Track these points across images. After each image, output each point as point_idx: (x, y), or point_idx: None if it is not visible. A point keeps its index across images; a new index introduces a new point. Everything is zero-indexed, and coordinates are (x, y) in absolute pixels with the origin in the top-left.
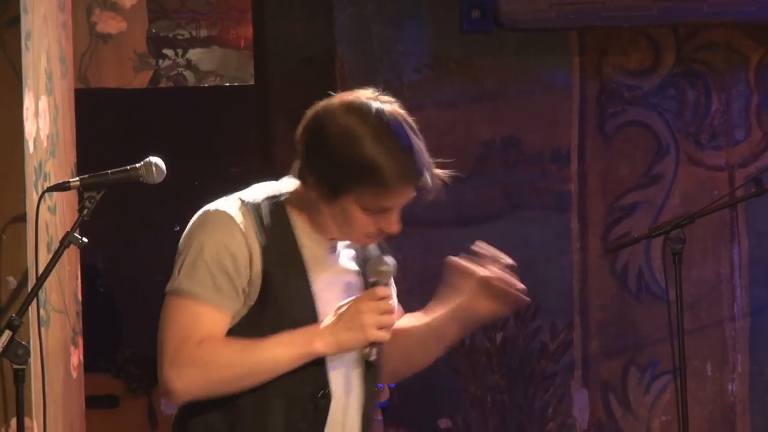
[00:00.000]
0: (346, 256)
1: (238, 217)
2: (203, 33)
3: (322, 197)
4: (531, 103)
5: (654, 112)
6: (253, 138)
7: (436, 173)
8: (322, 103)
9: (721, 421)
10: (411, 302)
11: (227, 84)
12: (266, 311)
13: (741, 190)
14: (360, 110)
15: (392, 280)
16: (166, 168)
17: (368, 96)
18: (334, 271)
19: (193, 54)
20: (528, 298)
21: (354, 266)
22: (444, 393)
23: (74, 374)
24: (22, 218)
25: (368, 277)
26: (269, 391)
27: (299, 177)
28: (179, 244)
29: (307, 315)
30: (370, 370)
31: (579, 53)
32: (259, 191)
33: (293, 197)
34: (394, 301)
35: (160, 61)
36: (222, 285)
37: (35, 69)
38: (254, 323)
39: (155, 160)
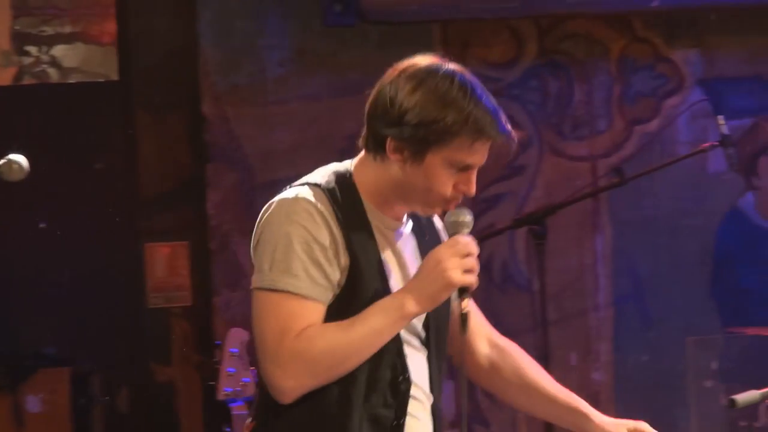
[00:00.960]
0: (407, 239)
1: (319, 204)
2: (67, 29)
3: (405, 161)
4: None
5: (517, 104)
6: (117, 133)
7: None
8: (390, 73)
9: None
10: None
11: (91, 80)
12: (355, 296)
13: (603, 180)
14: (439, 70)
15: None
16: (30, 166)
17: (435, 60)
18: (399, 251)
19: (57, 50)
20: None
21: (416, 253)
22: None
23: None
24: None
25: (447, 231)
26: (350, 378)
27: (371, 151)
28: (256, 236)
29: (383, 294)
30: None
31: (441, 45)
32: (329, 175)
33: (359, 177)
34: (474, 248)
35: (24, 58)
36: (315, 276)
37: None
38: (343, 309)
39: (17, 157)
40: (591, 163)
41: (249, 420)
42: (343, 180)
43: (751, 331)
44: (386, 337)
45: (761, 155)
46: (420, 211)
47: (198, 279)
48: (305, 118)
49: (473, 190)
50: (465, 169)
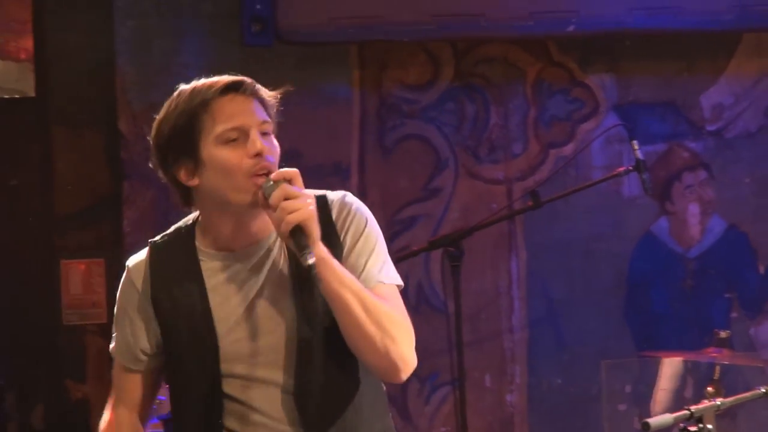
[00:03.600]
0: (271, 259)
1: (135, 268)
2: None
3: (194, 175)
4: (312, 117)
5: (433, 126)
6: (33, 150)
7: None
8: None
9: None
10: None
11: (7, 96)
12: (171, 340)
13: (518, 203)
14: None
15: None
16: None
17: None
18: (244, 277)
19: None
20: None
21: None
22: None
23: None
24: None
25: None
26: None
27: (184, 200)
28: None
29: (204, 331)
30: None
31: (358, 67)
32: (173, 228)
33: (198, 223)
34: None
35: None
36: (123, 340)
37: None
38: (171, 363)
39: None
40: (506, 186)
41: None
42: (183, 230)
43: (665, 355)
44: None
45: (675, 180)
46: (249, 199)
47: (113, 296)
48: None
49: (259, 146)
50: (240, 136)
